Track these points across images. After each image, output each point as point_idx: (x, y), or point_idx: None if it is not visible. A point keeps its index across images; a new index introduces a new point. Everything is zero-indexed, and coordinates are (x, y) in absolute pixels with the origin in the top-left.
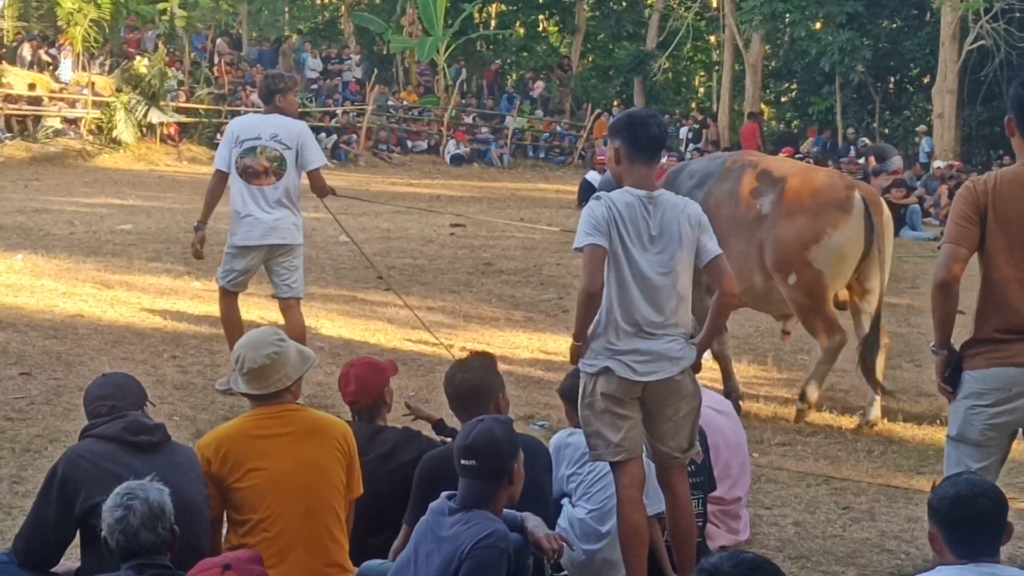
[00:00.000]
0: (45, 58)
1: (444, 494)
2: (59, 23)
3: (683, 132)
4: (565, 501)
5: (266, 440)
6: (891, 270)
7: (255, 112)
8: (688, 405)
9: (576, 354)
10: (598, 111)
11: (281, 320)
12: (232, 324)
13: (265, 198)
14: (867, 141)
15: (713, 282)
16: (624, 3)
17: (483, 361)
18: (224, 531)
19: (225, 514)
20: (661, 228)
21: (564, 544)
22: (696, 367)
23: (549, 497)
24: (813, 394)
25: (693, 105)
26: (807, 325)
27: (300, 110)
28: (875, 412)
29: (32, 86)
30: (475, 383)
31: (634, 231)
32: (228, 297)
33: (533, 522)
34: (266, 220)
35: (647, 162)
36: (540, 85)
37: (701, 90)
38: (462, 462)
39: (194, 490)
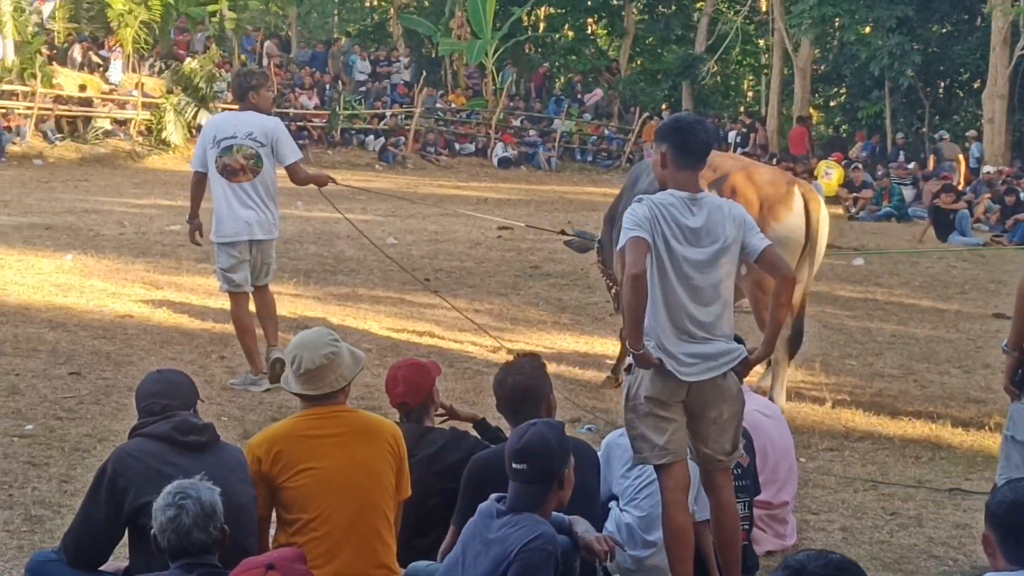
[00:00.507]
0: (96, 60)
1: (493, 496)
2: (110, 25)
3: (731, 136)
4: (613, 504)
5: (317, 440)
6: (939, 276)
7: (230, 110)
8: (731, 408)
9: (646, 360)
10: (646, 114)
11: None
12: (244, 329)
13: (245, 194)
14: (945, 136)
15: (770, 272)
16: (673, 6)
17: (534, 363)
18: (273, 531)
19: (274, 513)
20: (705, 228)
21: (615, 546)
22: (745, 371)
23: (597, 501)
24: (782, 399)
25: (741, 109)
26: (759, 317)
27: (349, 112)
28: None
29: (83, 87)
30: (527, 386)
31: (678, 230)
32: (236, 300)
33: (583, 526)
34: (247, 216)
35: (693, 167)
36: (598, 93)
37: (750, 94)
38: (513, 465)
39: (242, 490)
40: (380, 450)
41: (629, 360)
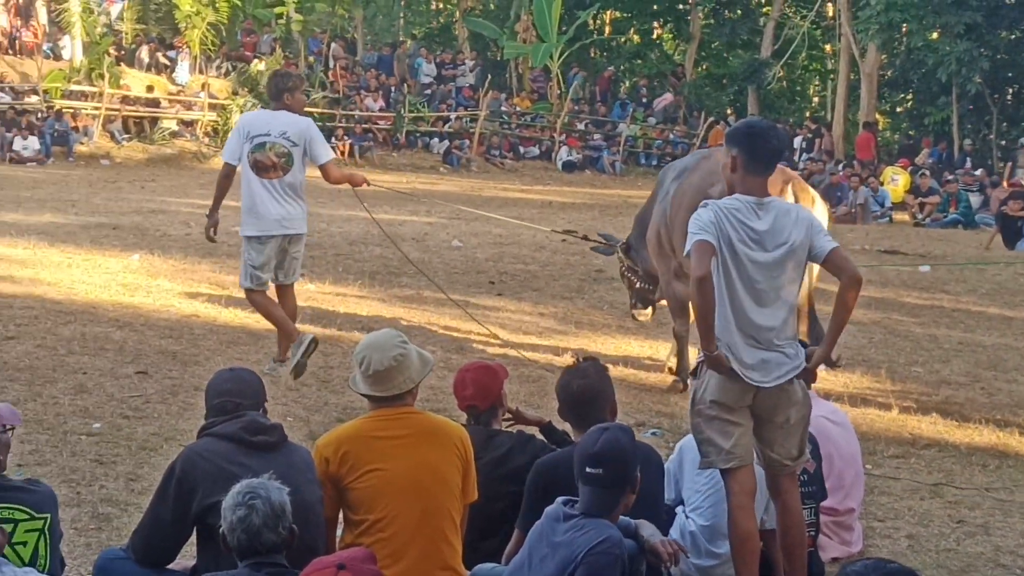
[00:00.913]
0: (163, 60)
1: (560, 499)
2: (177, 26)
3: (797, 141)
4: (679, 510)
5: (385, 441)
6: (1006, 283)
7: (264, 109)
8: (798, 412)
9: (717, 362)
10: (711, 119)
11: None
12: (271, 313)
13: (275, 190)
14: None
15: (836, 274)
16: (739, 11)
17: (597, 367)
18: (340, 531)
19: (341, 514)
20: (771, 232)
21: (679, 551)
22: (812, 376)
23: (661, 505)
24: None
25: (807, 114)
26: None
27: (414, 115)
28: None
29: (150, 88)
30: (593, 389)
31: (744, 233)
32: (257, 294)
33: (649, 530)
34: (277, 212)
35: (762, 174)
36: (668, 97)
37: (815, 99)
38: (587, 470)
39: (310, 490)
40: (447, 452)
41: (697, 361)
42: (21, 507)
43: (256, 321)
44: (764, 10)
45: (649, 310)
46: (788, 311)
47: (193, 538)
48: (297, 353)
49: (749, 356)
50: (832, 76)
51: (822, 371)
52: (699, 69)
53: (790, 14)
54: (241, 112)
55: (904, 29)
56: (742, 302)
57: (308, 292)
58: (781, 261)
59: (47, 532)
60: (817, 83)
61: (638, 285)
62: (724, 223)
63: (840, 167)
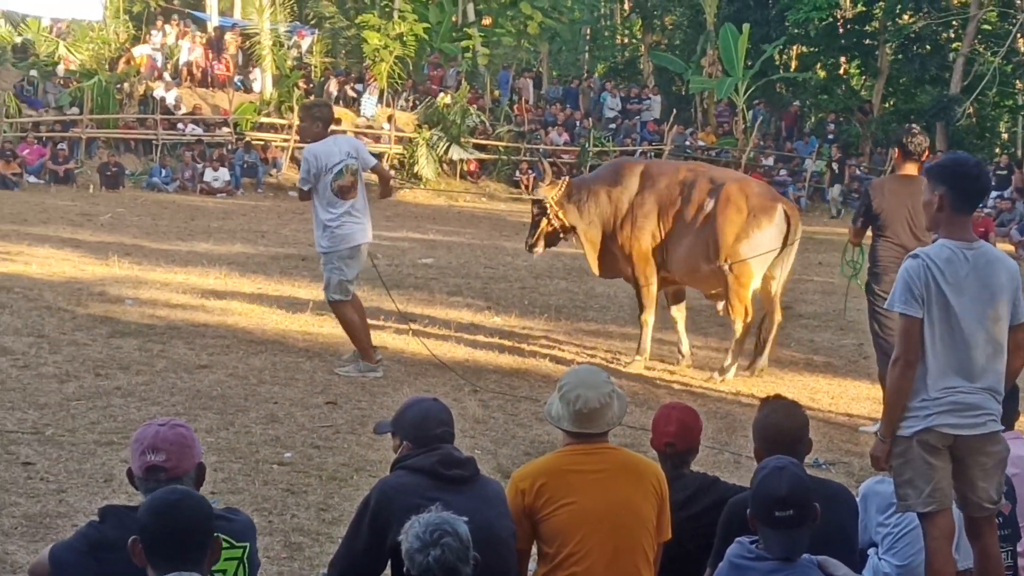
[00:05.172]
0: (351, 93)
1: (744, 539)
2: (365, 59)
3: None
4: (871, 552)
5: (581, 476)
6: None
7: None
8: (997, 454)
9: (882, 458)
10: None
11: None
12: (359, 324)
13: (355, 208)
14: None
15: (1014, 345)
16: (928, 47)
17: (797, 404)
18: (533, 565)
19: (535, 547)
20: (982, 281)
21: None
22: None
23: (855, 546)
24: (731, 370)
25: (997, 151)
26: (730, 304)
27: (598, 148)
28: (763, 362)
29: (337, 121)
30: (801, 428)
31: (955, 286)
32: (346, 305)
33: (842, 570)
34: (362, 224)
35: (969, 212)
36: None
37: (1005, 135)
38: (776, 514)
39: (502, 524)
40: (643, 489)
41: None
42: (221, 535)
43: (443, 353)
44: (954, 46)
45: (544, 250)
46: (997, 350)
47: (388, 570)
48: (363, 371)
49: (949, 398)
50: (1023, 113)
51: None
52: (886, 105)
53: (980, 50)
54: (427, 145)
55: None
56: (952, 350)
57: (495, 325)
58: (992, 309)
59: (246, 560)
60: (1007, 120)
61: (556, 234)
62: (934, 278)
63: None
